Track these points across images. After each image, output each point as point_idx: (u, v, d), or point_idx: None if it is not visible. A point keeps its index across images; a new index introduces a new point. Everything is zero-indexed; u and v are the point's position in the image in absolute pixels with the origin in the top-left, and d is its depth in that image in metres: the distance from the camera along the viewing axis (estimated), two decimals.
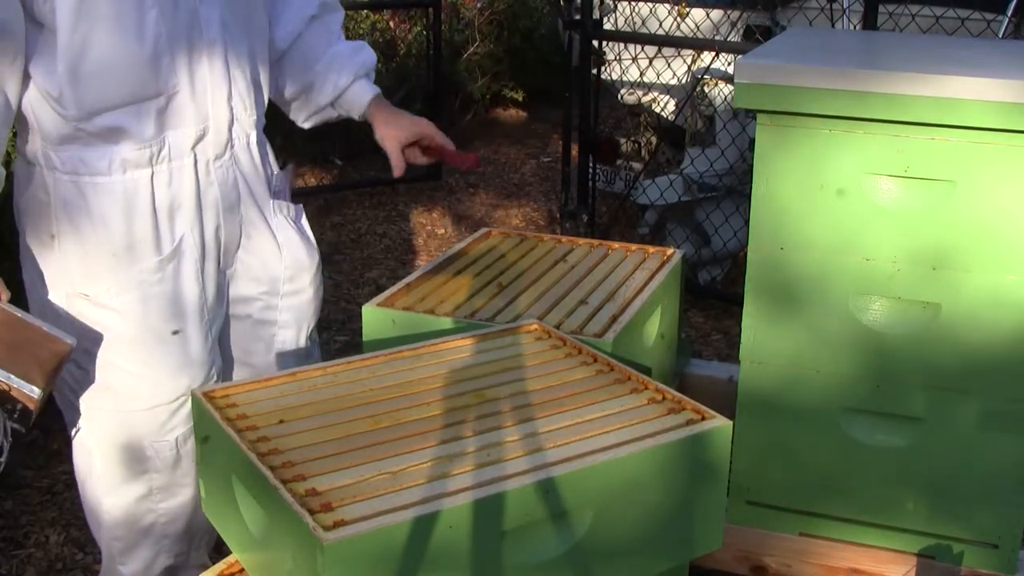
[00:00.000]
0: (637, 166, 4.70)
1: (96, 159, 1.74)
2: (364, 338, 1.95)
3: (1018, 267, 1.71)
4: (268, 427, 1.42)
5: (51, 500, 2.85)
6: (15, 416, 1.62)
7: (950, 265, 1.75)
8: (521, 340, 1.73)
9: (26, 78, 1.70)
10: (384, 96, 2.14)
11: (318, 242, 2.11)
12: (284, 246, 1.99)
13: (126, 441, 1.86)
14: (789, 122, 1.77)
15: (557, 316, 1.93)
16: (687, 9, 4.60)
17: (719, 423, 1.44)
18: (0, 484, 2.87)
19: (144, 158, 1.76)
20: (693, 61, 4.49)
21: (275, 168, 2.02)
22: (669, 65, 4.56)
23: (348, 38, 2.12)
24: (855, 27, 4.07)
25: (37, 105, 1.72)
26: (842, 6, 4.14)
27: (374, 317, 1.93)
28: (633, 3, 4.74)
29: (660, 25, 4.53)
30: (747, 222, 1.89)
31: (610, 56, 4.84)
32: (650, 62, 4.68)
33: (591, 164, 4.52)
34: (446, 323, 1.89)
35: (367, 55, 2.09)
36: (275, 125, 2.08)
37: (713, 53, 4.13)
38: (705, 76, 4.22)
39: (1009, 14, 4.12)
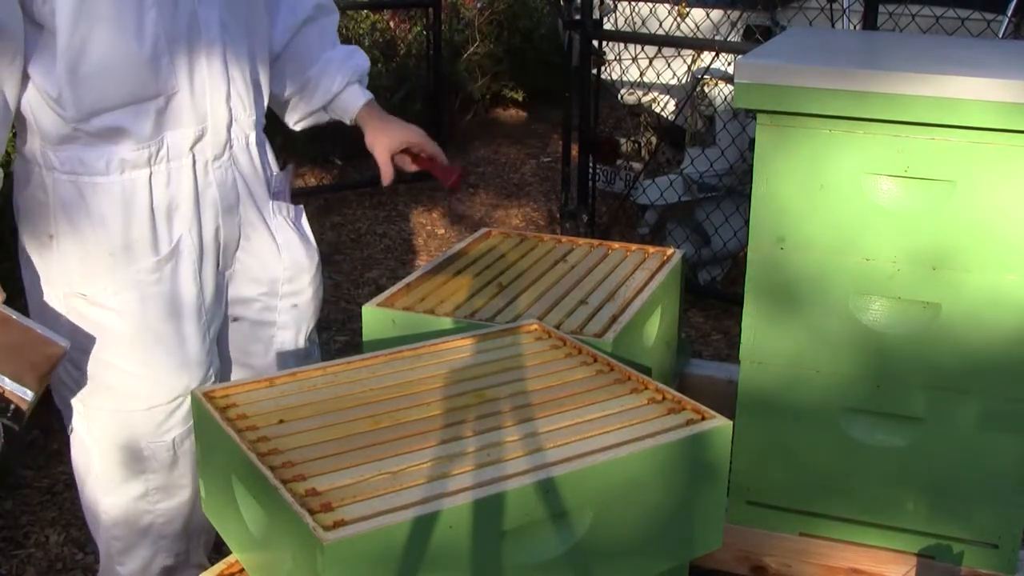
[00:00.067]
0: (637, 166, 4.70)
1: (95, 159, 1.74)
2: (364, 338, 1.95)
3: (1018, 267, 1.71)
4: (268, 427, 1.42)
5: (51, 500, 2.85)
6: (8, 415, 1.63)
7: (950, 265, 1.75)
8: (521, 340, 1.73)
9: (25, 79, 1.70)
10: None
11: (318, 242, 2.11)
12: (283, 247, 1.99)
13: (124, 441, 1.86)
14: (789, 122, 1.77)
15: (557, 316, 1.93)
16: (687, 9, 4.59)
17: (719, 423, 1.44)
18: (0, 484, 2.88)
19: (143, 158, 1.76)
20: (693, 61, 4.49)
21: (274, 169, 2.02)
22: (669, 65, 4.56)
23: (348, 38, 2.12)
24: (855, 27, 4.07)
25: (36, 105, 1.72)
26: (842, 6, 4.14)
27: (374, 317, 1.93)
28: (633, 3, 4.74)
29: (660, 25, 4.53)
30: (747, 222, 1.89)
31: (610, 56, 4.83)
32: (650, 62, 4.67)
33: (591, 164, 4.52)
34: (446, 323, 1.89)
35: (360, 60, 2.08)
36: (275, 125, 2.08)
37: (713, 53, 4.13)
38: (705, 76, 4.22)
39: (1009, 14, 4.12)
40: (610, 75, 4.85)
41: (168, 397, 1.85)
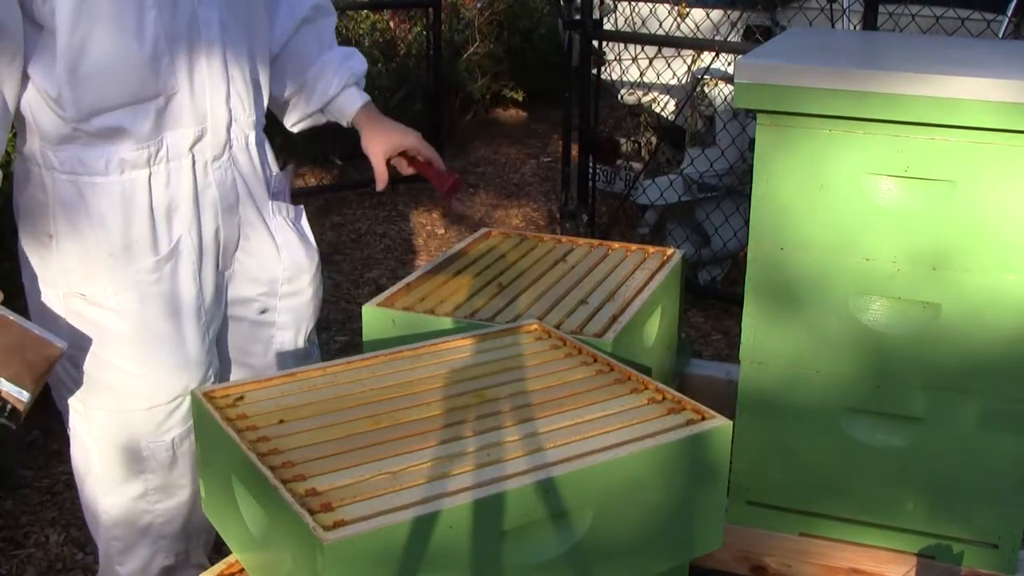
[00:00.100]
0: (637, 166, 4.70)
1: (94, 159, 1.74)
2: (364, 338, 1.95)
3: (1018, 267, 1.71)
4: (268, 427, 1.42)
5: (51, 500, 2.85)
6: (4, 415, 1.63)
7: (950, 265, 1.75)
8: (521, 340, 1.73)
9: (25, 79, 1.70)
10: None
11: (318, 242, 2.11)
12: (283, 247, 1.99)
13: (123, 441, 1.86)
14: (789, 122, 1.77)
15: (557, 316, 1.93)
16: (687, 9, 4.59)
17: (719, 423, 1.44)
18: (0, 484, 2.88)
19: (142, 158, 1.76)
20: (693, 61, 4.49)
21: (274, 169, 2.02)
22: (669, 65, 4.56)
23: (348, 38, 2.12)
24: (855, 27, 4.07)
25: (36, 105, 1.72)
26: (842, 6, 4.14)
27: (374, 317, 1.93)
28: (633, 3, 4.74)
29: (660, 25, 4.53)
30: (747, 222, 1.89)
31: (610, 56, 4.83)
32: (650, 62, 4.67)
33: (591, 164, 4.52)
34: (446, 323, 1.89)
35: (357, 62, 2.08)
36: (275, 125, 2.08)
37: (713, 53, 4.13)
38: (705, 76, 4.22)
39: (1009, 14, 4.12)
40: (610, 75, 4.85)
41: (168, 397, 1.85)
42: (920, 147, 1.71)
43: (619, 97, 4.94)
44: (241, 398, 1.50)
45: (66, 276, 1.78)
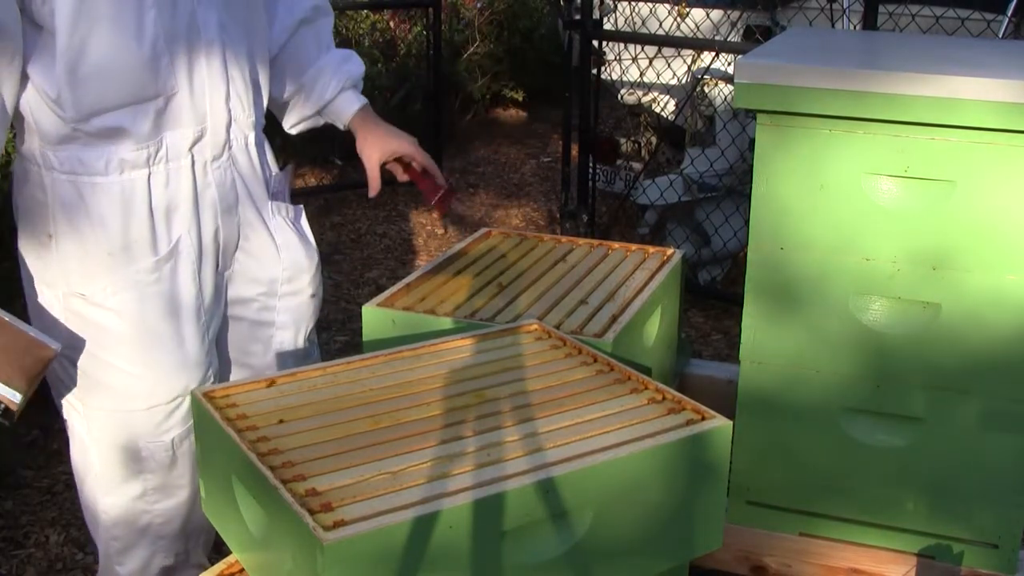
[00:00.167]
0: (637, 166, 4.70)
1: (94, 159, 1.74)
2: (364, 338, 1.95)
3: (1018, 267, 1.71)
4: (268, 427, 1.42)
5: (51, 500, 2.85)
6: None
7: (950, 265, 1.75)
8: (521, 340, 1.73)
9: (24, 79, 1.70)
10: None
11: (318, 242, 2.11)
12: (282, 247, 1.99)
13: (123, 441, 1.86)
14: (789, 122, 1.77)
15: (557, 316, 1.93)
16: (687, 9, 4.59)
17: (719, 423, 1.44)
18: (0, 484, 2.88)
19: (141, 159, 1.76)
20: (693, 61, 4.49)
21: (274, 169, 2.02)
22: (669, 65, 4.56)
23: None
24: (855, 27, 4.07)
25: (35, 105, 1.72)
26: (842, 6, 4.14)
27: (374, 317, 1.93)
28: (633, 3, 4.74)
29: (660, 25, 4.53)
30: (747, 222, 1.89)
31: (610, 56, 4.83)
32: (650, 62, 4.67)
33: (591, 164, 4.52)
34: (446, 323, 1.89)
35: (354, 65, 2.08)
36: (274, 125, 2.08)
37: (713, 53, 4.13)
38: (705, 76, 4.22)
39: (1009, 14, 4.12)
40: (610, 75, 4.85)
41: (167, 397, 1.85)
42: (920, 147, 1.71)
43: (619, 97, 4.94)
44: (241, 398, 1.50)
45: (65, 276, 1.78)
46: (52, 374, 1.86)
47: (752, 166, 1.83)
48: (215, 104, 1.82)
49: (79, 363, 1.81)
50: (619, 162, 4.74)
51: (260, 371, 2.02)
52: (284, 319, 2.03)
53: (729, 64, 4.19)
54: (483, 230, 2.41)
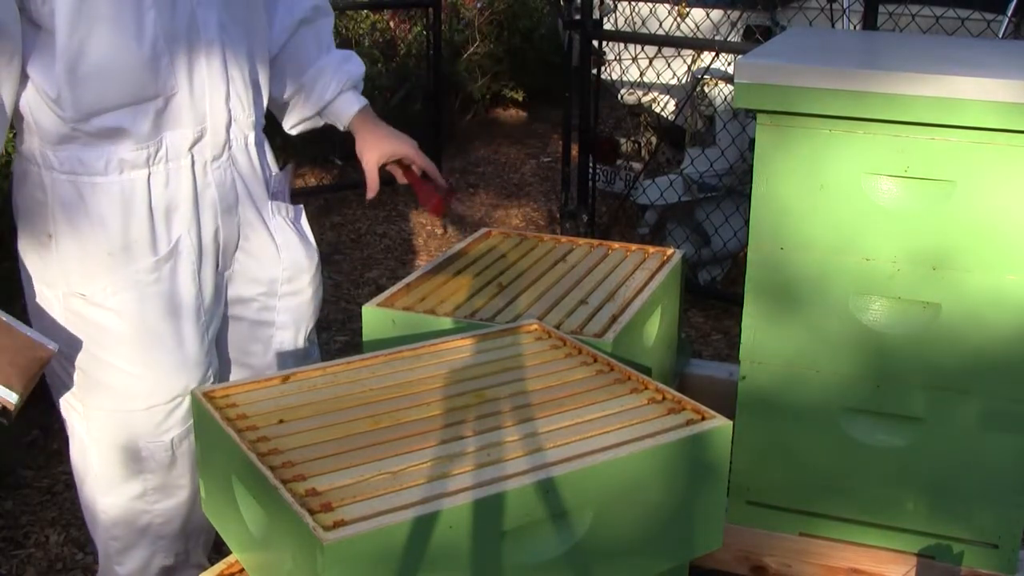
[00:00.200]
0: (637, 166, 4.70)
1: (94, 159, 1.74)
2: (364, 338, 1.95)
3: (1018, 267, 1.71)
4: (268, 427, 1.42)
5: (51, 500, 2.85)
6: None
7: (950, 265, 1.75)
8: (521, 340, 1.73)
9: (24, 79, 1.70)
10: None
11: (318, 242, 2.11)
12: (282, 247, 1.99)
13: (122, 441, 1.86)
14: (789, 122, 1.77)
15: (557, 316, 1.93)
16: (687, 9, 4.59)
17: (719, 423, 1.44)
18: (0, 484, 2.88)
19: (141, 159, 1.76)
20: (693, 61, 4.49)
21: (274, 169, 2.02)
22: (669, 65, 4.56)
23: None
24: (855, 27, 4.07)
25: (35, 105, 1.72)
26: (842, 6, 4.14)
27: (374, 317, 1.93)
28: (633, 3, 4.74)
29: (660, 25, 4.53)
30: (747, 222, 1.89)
31: (610, 56, 4.83)
32: (650, 62, 4.67)
33: (591, 164, 4.52)
34: (446, 323, 1.89)
35: (354, 66, 2.08)
36: (274, 125, 2.08)
37: (713, 53, 4.13)
38: (705, 76, 4.22)
39: (1009, 14, 4.12)
40: (610, 75, 4.85)
41: (167, 397, 1.85)
42: (920, 147, 1.71)
43: (619, 97, 4.94)
44: (241, 398, 1.50)
45: (65, 276, 1.78)
46: (52, 374, 1.86)
47: (752, 166, 1.83)
48: (215, 104, 1.82)
49: (79, 363, 1.81)
50: (619, 162, 4.75)
51: (260, 371, 2.02)
52: (284, 319, 2.03)
53: (729, 64, 4.19)
54: (483, 230, 2.41)
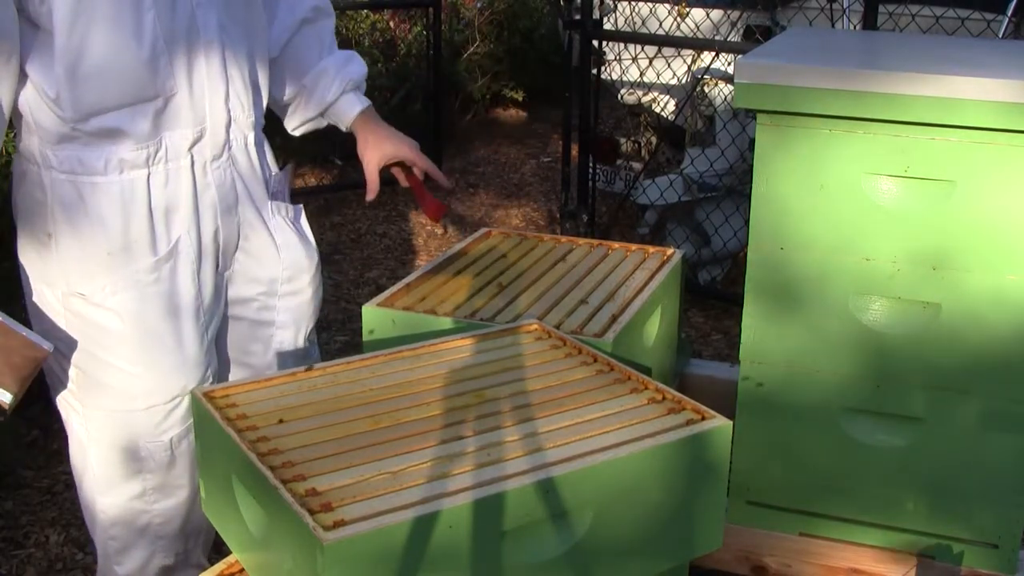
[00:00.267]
0: (637, 166, 4.70)
1: (93, 159, 1.74)
2: (364, 338, 1.95)
3: (1018, 267, 1.71)
4: (268, 427, 1.42)
5: (51, 500, 2.85)
6: None
7: (950, 265, 1.75)
8: (521, 340, 1.73)
9: (22, 78, 1.70)
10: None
11: (318, 242, 2.11)
12: (282, 247, 1.99)
13: (121, 441, 1.85)
14: (789, 122, 1.77)
15: (557, 316, 1.93)
16: (687, 9, 4.60)
17: (719, 423, 1.44)
18: (0, 484, 2.88)
19: (141, 159, 1.76)
20: (693, 61, 4.49)
21: (273, 169, 2.02)
22: (669, 65, 4.56)
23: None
24: (855, 27, 4.07)
25: (34, 105, 1.72)
26: (842, 6, 4.14)
27: (374, 317, 1.93)
28: (633, 3, 4.74)
29: (660, 25, 4.54)
30: (747, 222, 1.89)
31: (610, 56, 4.84)
32: (650, 62, 4.68)
33: (591, 164, 4.52)
34: (446, 323, 1.89)
35: (356, 67, 2.08)
36: (274, 125, 2.08)
37: (713, 53, 4.13)
38: (705, 76, 4.22)
39: (1009, 14, 4.12)
40: (610, 75, 4.85)
41: (166, 397, 1.85)
42: (920, 147, 1.71)
43: (619, 97, 4.94)
44: (241, 398, 1.50)
45: (65, 276, 1.78)
46: (51, 374, 1.86)
47: (752, 166, 1.83)
48: (214, 104, 1.82)
49: (78, 363, 1.81)
50: (619, 162, 4.75)
51: (260, 371, 2.02)
52: (284, 319, 2.03)
53: (729, 64, 4.20)
54: (483, 230, 2.41)
